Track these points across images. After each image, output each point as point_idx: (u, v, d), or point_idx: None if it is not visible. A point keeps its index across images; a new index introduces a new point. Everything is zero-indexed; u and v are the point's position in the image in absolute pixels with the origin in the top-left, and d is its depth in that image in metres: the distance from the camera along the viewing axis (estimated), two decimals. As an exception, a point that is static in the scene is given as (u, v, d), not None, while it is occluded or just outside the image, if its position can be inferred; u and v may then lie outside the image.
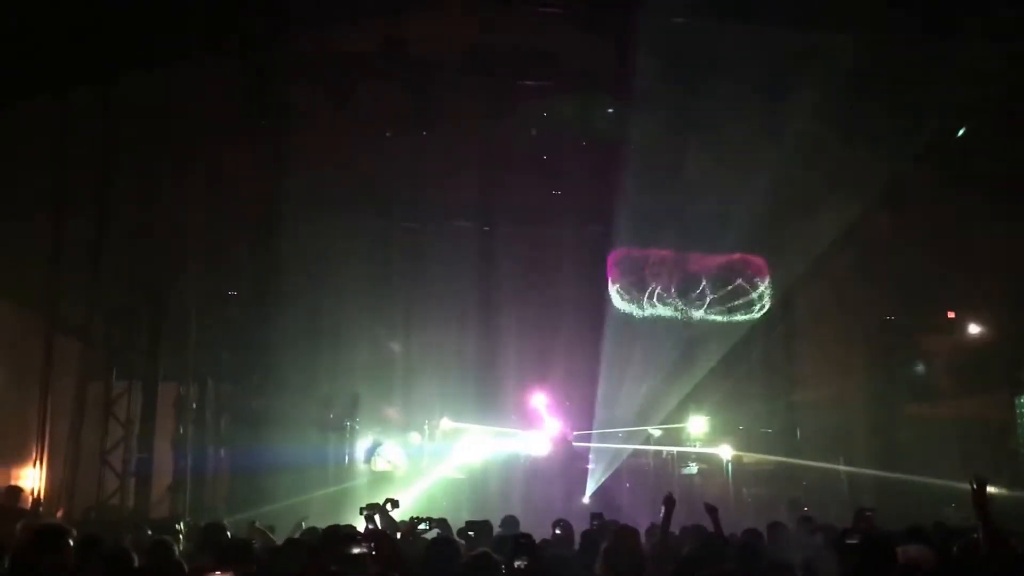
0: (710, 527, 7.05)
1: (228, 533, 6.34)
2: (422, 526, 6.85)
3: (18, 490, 9.87)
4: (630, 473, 13.96)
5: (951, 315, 14.59)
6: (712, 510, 6.94)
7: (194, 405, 12.43)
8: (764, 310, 14.30)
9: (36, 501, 10.25)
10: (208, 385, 12.74)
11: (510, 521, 7.76)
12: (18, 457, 10.78)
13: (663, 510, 6.72)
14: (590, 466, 13.88)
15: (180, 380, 12.41)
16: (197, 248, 12.31)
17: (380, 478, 13.33)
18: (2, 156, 9.69)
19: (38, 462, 10.85)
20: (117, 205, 11.41)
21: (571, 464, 13.80)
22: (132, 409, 11.82)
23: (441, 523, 7.17)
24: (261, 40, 11.18)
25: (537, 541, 6.21)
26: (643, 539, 7.00)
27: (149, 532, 6.70)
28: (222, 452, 12.70)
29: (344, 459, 13.59)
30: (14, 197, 10.08)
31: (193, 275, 12.38)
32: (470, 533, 6.85)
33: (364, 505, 7.15)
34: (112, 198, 11.35)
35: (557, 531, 7.35)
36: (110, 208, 11.33)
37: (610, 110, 12.59)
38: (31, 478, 10.75)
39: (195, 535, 7.45)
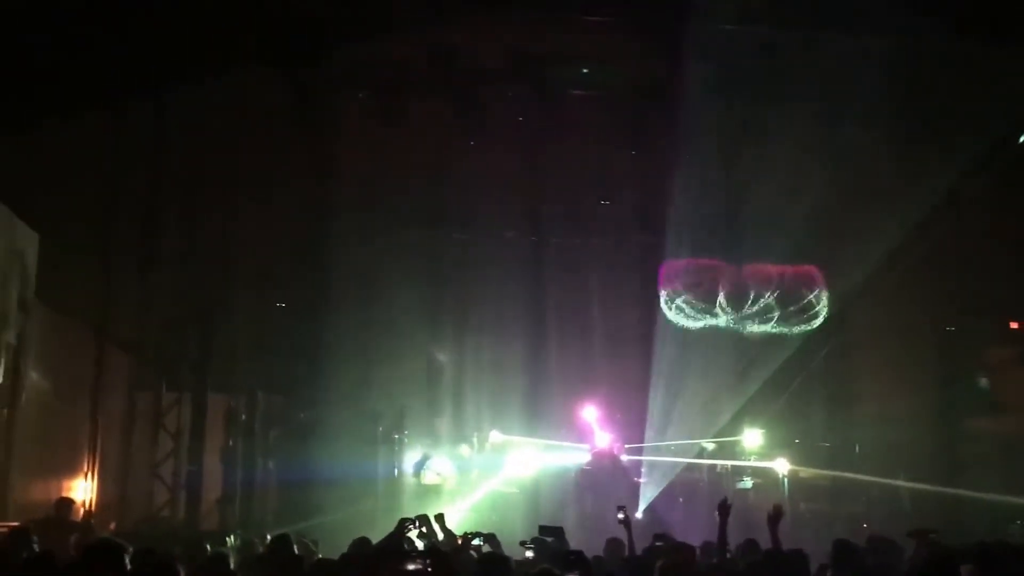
0: (764, 542, 6.85)
1: (295, 547, 6.31)
2: (476, 541, 6.76)
3: (70, 502, 9.93)
4: (683, 488, 13.75)
5: (1015, 326, 14.18)
6: (774, 519, 6.68)
7: (243, 417, 12.51)
8: (820, 321, 14.00)
9: (88, 513, 10.34)
10: (257, 397, 12.82)
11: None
12: (69, 469, 10.92)
13: (718, 518, 6.55)
14: (642, 480, 13.70)
15: (229, 392, 12.51)
16: (246, 260, 12.39)
17: (429, 491, 13.28)
18: (55, 170, 9.84)
19: (89, 474, 10.99)
20: (167, 218, 11.56)
21: (622, 478, 13.64)
22: (182, 421, 11.93)
23: (490, 538, 7.08)
24: (310, 53, 11.25)
25: (590, 556, 6.09)
26: (698, 556, 6.86)
27: (208, 547, 6.68)
28: (271, 465, 12.76)
29: (393, 472, 13.58)
30: (65, 210, 10.24)
31: (242, 287, 12.47)
32: (548, 539, 6.73)
33: (411, 517, 6.98)
34: (162, 211, 11.50)
35: (620, 515, 7.19)
36: (160, 221, 11.47)
37: (660, 117, 12.41)
38: (82, 490, 10.88)
39: (246, 548, 7.45)
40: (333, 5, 10.76)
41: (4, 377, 9.35)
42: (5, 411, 9.35)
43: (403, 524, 6.43)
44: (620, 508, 7.29)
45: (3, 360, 9.30)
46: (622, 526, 7.30)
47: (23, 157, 9.22)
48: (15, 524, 7.78)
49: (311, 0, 10.61)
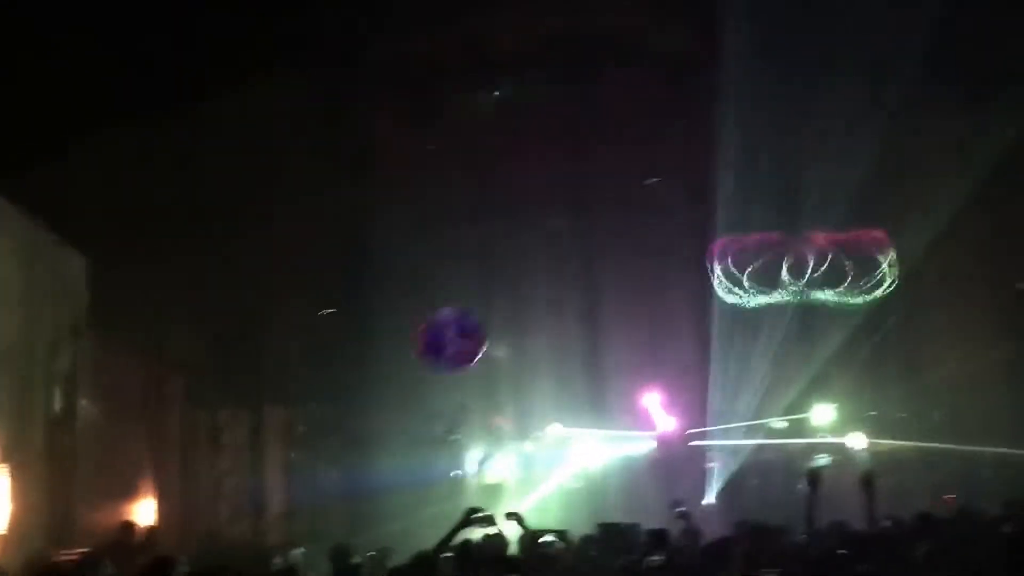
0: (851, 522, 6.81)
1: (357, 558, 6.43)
2: (548, 538, 6.80)
3: (132, 524, 10.23)
4: (755, 470, 13.68)
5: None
6: (868, 484, 6.53)
7: (300, 428, 12.74)
8: (889, 287, 13.78)
9: (153, 535, 10.60)
10: (312, 407, 13.03)
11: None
12: (132, 491, 11.22)
13: (808, 489, 6.50)
14: (711, 465, 13.65)
15: (285, 404, 12.73)
16: (291, 269, 12.57)
17: (493, 491, 13.40)
18: (96, 192, 10.08)
19: (151, 495, 11.28)
20: (210, 232, 11.76)
21: (691, 464, 13.60)
22: (240, 436, 12.19)
23: (561, 535, 7.11)
24: (339, 55, 11.36)
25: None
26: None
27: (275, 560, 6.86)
28: (332, 474, 12.96)
29: (454, 473, 13.71)
30: (110, 232, 10.49)
31: (289, 296, 12.65)
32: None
33: (479, 515, 6.91)
34: (205, 226, 11.70)
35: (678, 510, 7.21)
36: (204, 236, 11.68)
37: (704, 86, 12.26)
38: (146, 512, 11.18)
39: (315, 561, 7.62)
40: (357, 5, 10.85)
41: (60, 405, 9.63)
42: (65, 438, 9.64)
43: (470, 514, 6.40)
44: (675, 503, 7.32)
45: (58, 388, 9.58)
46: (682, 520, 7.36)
47: (65, 182, 9.47)
48: (84, 550, 8.06)
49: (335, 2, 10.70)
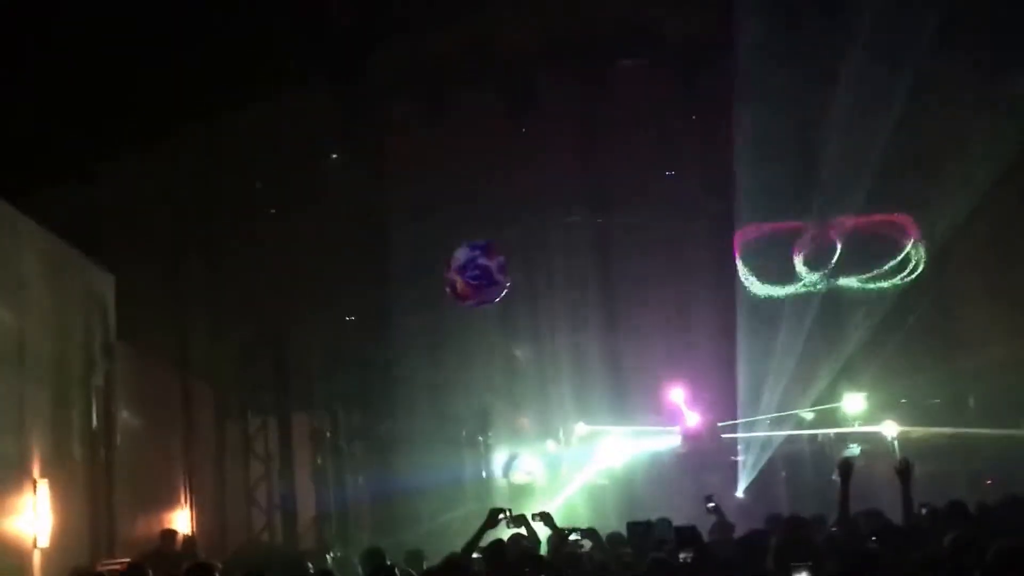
0: (885, 512, 6.84)
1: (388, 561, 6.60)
2: (573, 536, 6.91)
3: (173, 533, 10.51)
4: (785, 461, 13.71)
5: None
6: (905, 473, 6.46)
7: (328, 434, 12.96)
8: (916, 272, 13.75)
9: (191, 543, 10.87)
10: (338, 414, 13.25)
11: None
12: (168, 502, 11.54)
13: (839, 480, 6.52)
14: (739, 458, 13.69)
15: (311, 411, 12.96)
16: (312, 278, 12.76)
17: (521, 491, 13.54)
18: (121, 209, 10.34)
19: (187, 505, 11.57)
20: (232, 244, 12.00)
21: (719, 458, 13.65)
22: (270, 444, 12.45)
23: (590, 533, 7.22)
24: (350, 65, 11.54)
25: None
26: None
27: (309, 566, 7.05)
28: (360, 479, 13.19)
29: (481, 474, 13.89)
30: (135, 248, 10.76)
31: (311, 304, 12.86)
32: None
33: (508, 515, 7.00)
34: (226, 238, 11.95)
35: (710, 504, 7.33)
36: (225, 248, 11.92)
37: (718, 76, 12.30)
38: (183, 521, 11.47)
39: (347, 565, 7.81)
40: (362, 14, 11.03)
41: (96, 419, 9.90)
42: (102, 452, 9.91)
43: (495, 515, 6.56)
44: (708, 498, 7.41)
45: (94, 403, 9.85)
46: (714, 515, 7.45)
47: (90, 200, 9.73)
48: (126, 560, 8.31)
49: (341, 13, 10.88)
